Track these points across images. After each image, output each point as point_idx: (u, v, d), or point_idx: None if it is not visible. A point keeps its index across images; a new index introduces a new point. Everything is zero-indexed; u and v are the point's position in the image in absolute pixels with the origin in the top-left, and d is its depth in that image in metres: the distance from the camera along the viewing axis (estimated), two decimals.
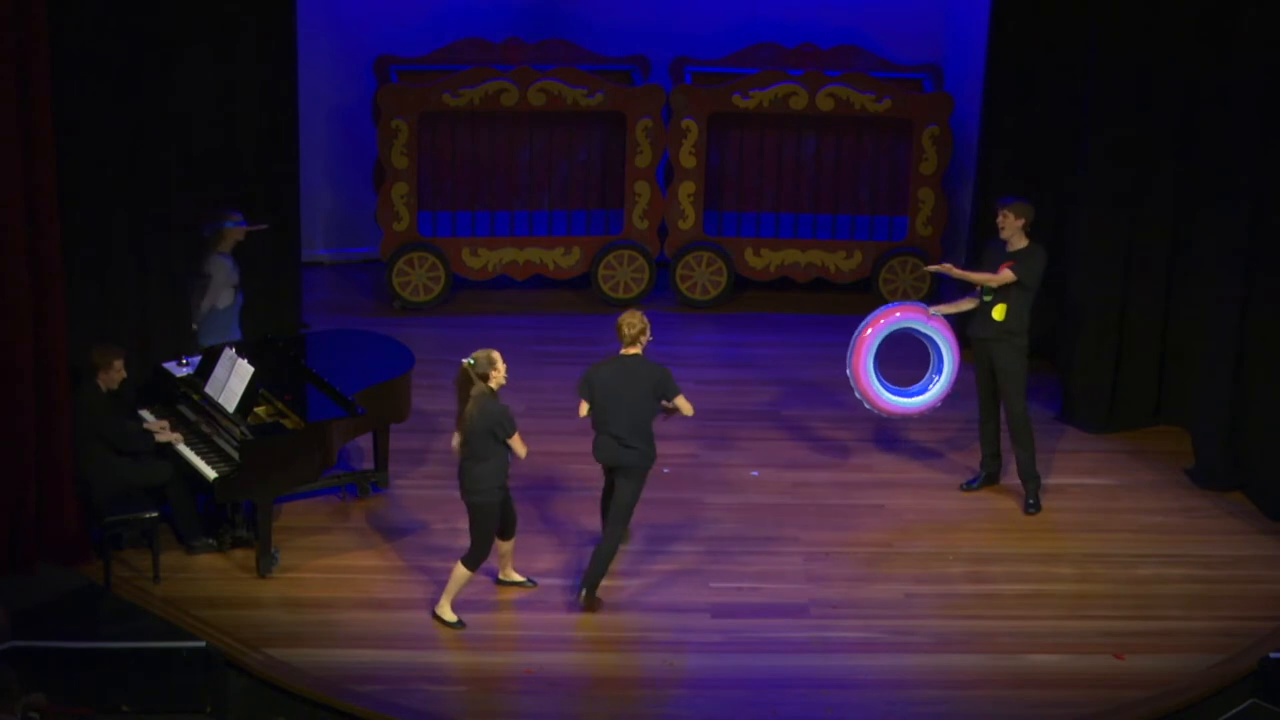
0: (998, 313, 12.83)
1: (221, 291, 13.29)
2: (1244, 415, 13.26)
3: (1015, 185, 14.72)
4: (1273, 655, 11.20)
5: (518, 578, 12.00)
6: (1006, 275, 12.72)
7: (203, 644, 11.00)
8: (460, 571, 11.51)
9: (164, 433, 12.21)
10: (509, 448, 11.32)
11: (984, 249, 13.14)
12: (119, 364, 11.96)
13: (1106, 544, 12.68)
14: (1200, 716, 11.01)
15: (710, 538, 12.60)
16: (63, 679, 10.74)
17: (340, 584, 11.94)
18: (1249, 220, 13.09)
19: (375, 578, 12.03)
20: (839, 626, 11.67)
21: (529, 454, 11.49)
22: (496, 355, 11.30)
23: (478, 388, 11.22)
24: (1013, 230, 12.80)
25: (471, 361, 11.26)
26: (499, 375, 11.28)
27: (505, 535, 11.75)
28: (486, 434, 11.22)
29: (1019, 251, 12.79)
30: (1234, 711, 10.96)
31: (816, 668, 11.24)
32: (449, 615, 11.60)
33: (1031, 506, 13.04)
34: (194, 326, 13.22)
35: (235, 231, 13.32)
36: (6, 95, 11.07)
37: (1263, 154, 12.92)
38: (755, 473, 13.38)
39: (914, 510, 13.05)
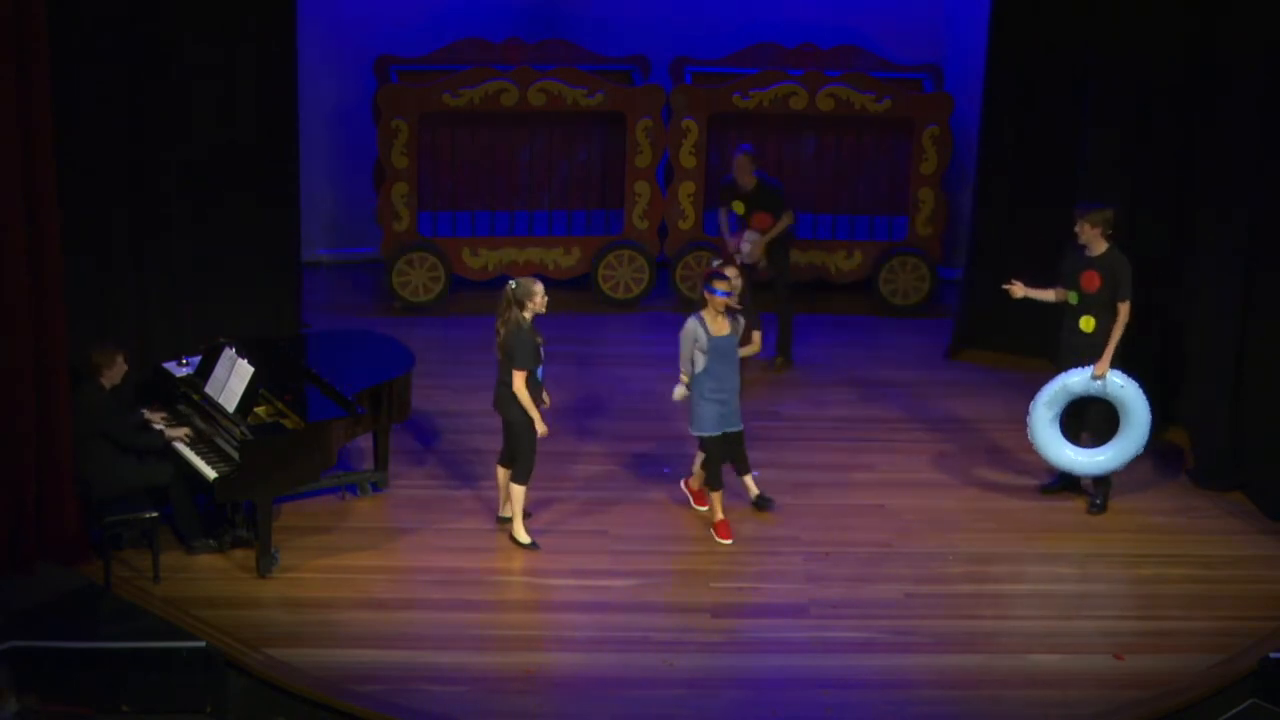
0: (1086, 324, 12.71)
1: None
2: (1244, 415, 13.26)
3: (1015, 185, 14.73)
4: (1273, 655, 11.19)
5: (507, 516, 12.40)
6: (1123, 314, 12.57)
7: (203, 644, 10.98)
8: (515, 490, 12.23)
9: (171, 429, 12.20)
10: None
11: (1065, 256, 12.84)
12: (120, 358, 11.96)
13: (1107, 544, 12.67)
14: (1200, 716, 10.99)
15: (710, 538, 12.58)
16: (63, 679, 10.74)
17: (340, 584, 11.93)
18: (1249, 220, 13.09)
19: (375, 578, 12.02)
20: (838, 626, 11.65)
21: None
22: (539, 287, 11.88)
23: (513, 313, 11.83)
24: (1089, 237, 12.64)
25: (514, 285, 11.87)
26: (535, 304, 11.85)
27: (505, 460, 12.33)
28: (510, 358, 11.88)
29: (1101, 258, 12.64)
30: (1234, 711, 10.96)
31: (816, 668, 11.22)
32: (524, 537, 12.29)
33: (1097, 507, 13.02)
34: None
35: (717, 301, 12.17)
36: (6, 95, 11.06)
37: (1263, 154, 12.92)
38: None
39: (914, 510, 13.04)
